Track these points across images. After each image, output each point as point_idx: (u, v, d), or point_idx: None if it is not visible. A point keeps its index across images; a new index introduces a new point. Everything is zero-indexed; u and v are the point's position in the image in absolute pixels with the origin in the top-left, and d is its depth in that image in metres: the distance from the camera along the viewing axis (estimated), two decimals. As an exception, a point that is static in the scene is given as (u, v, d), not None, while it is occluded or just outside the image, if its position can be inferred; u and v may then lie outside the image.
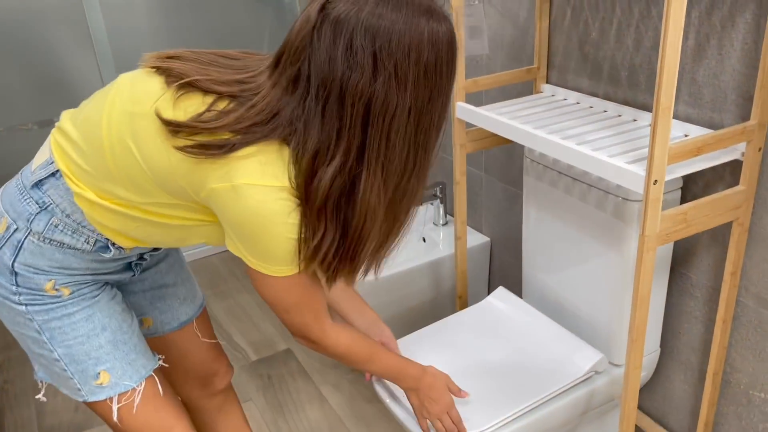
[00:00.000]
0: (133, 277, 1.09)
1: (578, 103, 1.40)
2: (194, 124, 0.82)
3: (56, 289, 0.96)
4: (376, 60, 0.76)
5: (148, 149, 0.86)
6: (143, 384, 1.02)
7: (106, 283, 1.04)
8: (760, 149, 1.07)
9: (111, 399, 0.99)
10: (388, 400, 1.32)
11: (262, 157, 0.81)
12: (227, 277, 2.54)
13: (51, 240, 0.94)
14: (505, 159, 1.76)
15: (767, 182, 1.10)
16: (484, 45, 1.51)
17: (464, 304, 1.80)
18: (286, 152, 0.83)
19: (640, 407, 1.51)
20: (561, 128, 1.25)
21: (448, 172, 2.01)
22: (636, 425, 1.50)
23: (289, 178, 0.82)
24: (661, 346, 1.41)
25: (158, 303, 1.16)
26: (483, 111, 1.37)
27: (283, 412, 1.85)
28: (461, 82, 1.42)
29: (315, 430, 1.77)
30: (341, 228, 0.85)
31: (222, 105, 0.83)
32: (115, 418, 1.00)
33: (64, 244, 0.94)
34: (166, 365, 1.13)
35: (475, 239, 1.92)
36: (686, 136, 1.18)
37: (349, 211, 0.83)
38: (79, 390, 0.99)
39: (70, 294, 0.97)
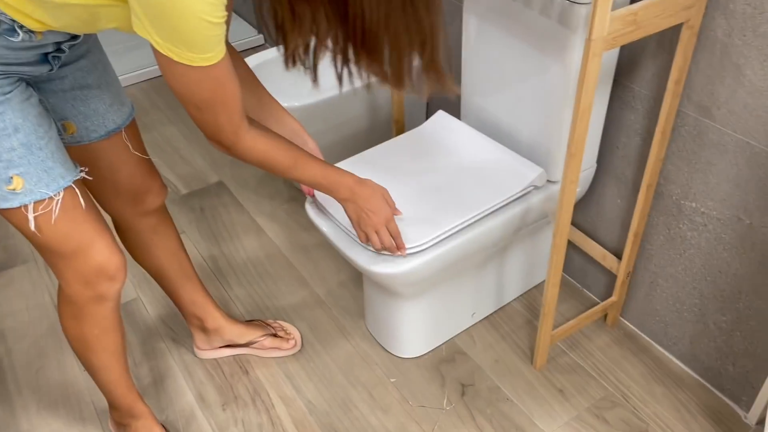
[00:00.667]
0: (51, 72, 0.97)
1: None
2: None
3: None
4: None
5: None
6: (61, 194, 0.94)
7: (21, 80, 0.92)
8: (721, -62, 0.97)
9: (26, 207, 0.92)
10: (322, 227, 1.28)
11: None
12: (149, 109, 2.37)
13: None
14: (444, -34, 1.60)
15: (723, -22, 1.02)
16: None
17: (401, 130, 1.73)
18: None
19: (572, 222, 1.54)
20: None
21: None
22: (568, 239, 1.53)
23: None
24: (598, 161, 1.40)
25: (81, 106, 1.06)
26: None
27: (218, 242, 1.81)
28: None
29: (252, 258, 1.76)
30: (337, 19, 0.75)
31: None
32: (32, 227, 0.94)
33: None
34: (90, 177, 1.05)
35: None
36: (642, -74, 1.06)
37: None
38: None
39: None
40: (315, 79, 0.84)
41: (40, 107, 0.95)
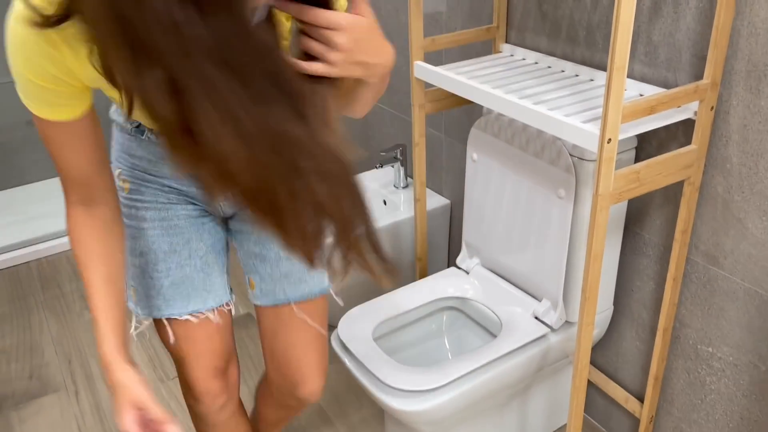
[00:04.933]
0: (219, 213, 1.06)
1: (537, 63, 1.39)
2: None
3: (122, 179, 0.98)
4: None
5: None
6: (150, 320, 1.05)
7: (175, 213, 1.00)
8: (712, 108, 1.08)
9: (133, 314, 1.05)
10: (346, 361, 1.32)
11: None
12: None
13: (113, 121, 0.96)
14: (465, 120, 1.75)
15: (718, 141, 1.12)
16: None
17: (424, 267, 1.81)
18: None
19: (593, 363, 1.55)
20: (519, 88, 1.25)
21: (408, 134, 2.00)
22: (589, 380, 1.54)
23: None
24: (614, 303, 1.44)
25: (259, 266, 1.08)
26: (441, 70, 1.35)
27: (243, 373, 1.84)
28: (419, 41, 1.39)
29: (276, 393, 1.78)
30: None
31: None
32: (131, 331, 1.04)
33: (117, 123, 0.96)
34: (182, 320, 1.04)
35: (435, 201, 1.92)
36: (641, 95, 1.19)
37: None
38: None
39: (129, 191, 0.98)
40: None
41: (180, 246, 1.00)
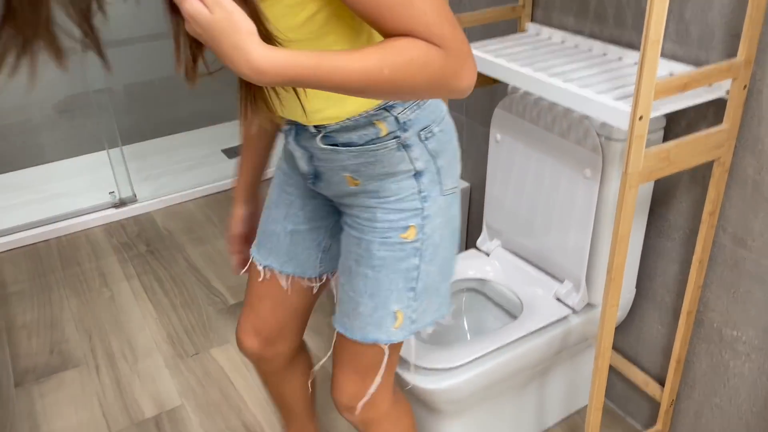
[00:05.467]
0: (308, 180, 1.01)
1: (563, 41, 1.38)
2: None
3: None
4: None
5: None
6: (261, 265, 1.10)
7: (291, 174, 1.05)
8: (745, 87, 1.06)
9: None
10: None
11: None
12: (204, 223, 2.51)
13: None
14: (487, 103, 1.74)
15: (750, 121, 1.10)
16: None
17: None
18: None
19: (613, 347, 1.55)
20: (546, 66, 1.23)
21: (429, 116, 1.98)
22: (609, 364, 1.53)
23: None
24: (637, 287, 1.43)
25: (339, 272, 1.03)
26: (467, 49, 1.34)
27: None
28: (445, 18, 1.38)
29: (294, 372, 1.78)
30: None
31: None
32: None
33: None
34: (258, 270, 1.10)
35: (455, 184, 1.91)
36: (671, 74, 1.17)
37: None
38: None
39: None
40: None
41: (285, 206, 1.07)
